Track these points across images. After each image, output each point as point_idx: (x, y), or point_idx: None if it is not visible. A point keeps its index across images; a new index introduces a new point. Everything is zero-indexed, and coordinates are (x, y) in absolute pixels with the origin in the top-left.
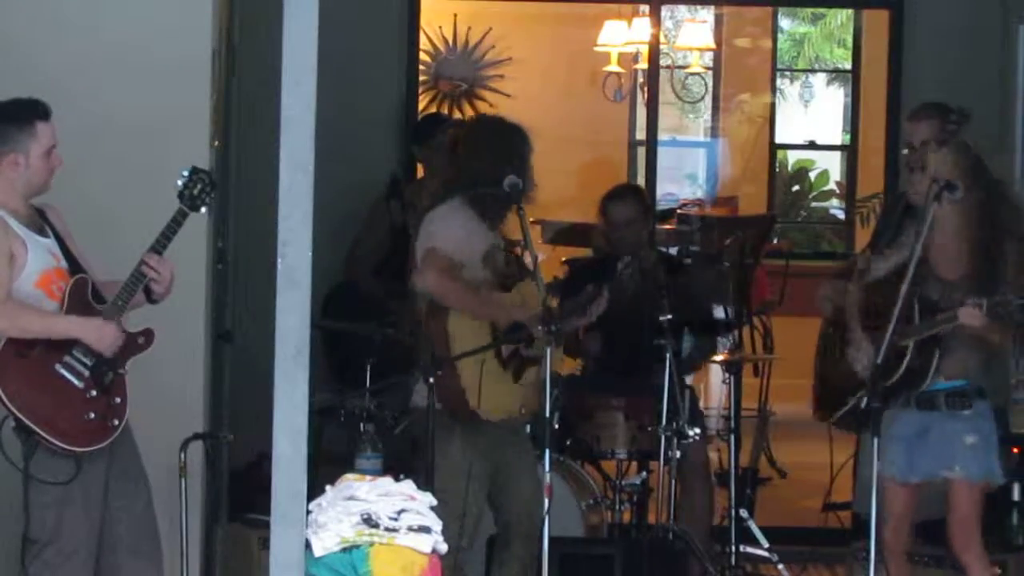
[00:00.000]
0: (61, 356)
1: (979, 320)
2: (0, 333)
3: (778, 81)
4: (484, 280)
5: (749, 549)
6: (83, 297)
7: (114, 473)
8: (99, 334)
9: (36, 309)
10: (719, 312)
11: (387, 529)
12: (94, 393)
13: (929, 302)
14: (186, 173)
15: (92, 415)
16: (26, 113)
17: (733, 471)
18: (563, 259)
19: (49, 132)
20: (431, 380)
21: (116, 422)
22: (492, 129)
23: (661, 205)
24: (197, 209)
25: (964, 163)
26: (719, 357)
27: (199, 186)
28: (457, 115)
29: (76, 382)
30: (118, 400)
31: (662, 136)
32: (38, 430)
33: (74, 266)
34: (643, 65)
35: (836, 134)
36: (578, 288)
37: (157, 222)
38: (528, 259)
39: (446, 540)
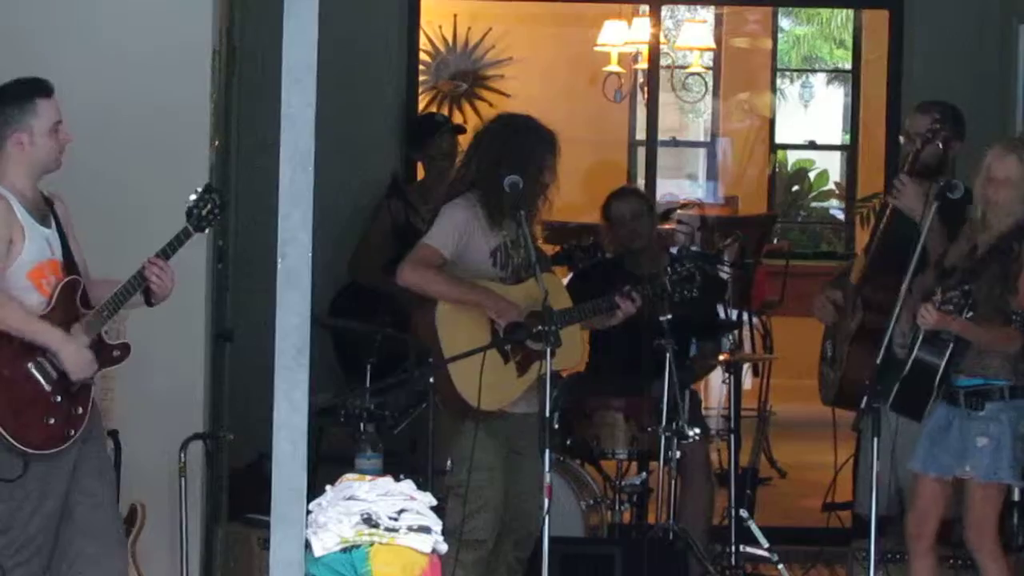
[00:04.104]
0: (35, 355)
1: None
2: None
3: (778, 81)
4: (493, 277)
5: (749, 549)
6: (71, 299)
7: (84, 472)
8: (76, 358)
9: (21, 305)
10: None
11: (387, 529)
12: (59, 399)
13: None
14: (199, 190)
15: (52, 420)
16: (26, 91)
17: (733, 471)
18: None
19: (52, 108)
20: (431, 379)
21: (73, 432)
22: (512, 129)
23: (661, 205)
24: (202, 230)
25: None
26: (719, 357)
27: (208, 207)
28: (458, 116)
29: (44, 384)
30: (80, 411)
31: (662, 136)
32: None
33: (69, 261)
34: (643, 65)
35: (836, 134)
36: (590, 288)
37: (156, 221)
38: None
39: (466, 535)
